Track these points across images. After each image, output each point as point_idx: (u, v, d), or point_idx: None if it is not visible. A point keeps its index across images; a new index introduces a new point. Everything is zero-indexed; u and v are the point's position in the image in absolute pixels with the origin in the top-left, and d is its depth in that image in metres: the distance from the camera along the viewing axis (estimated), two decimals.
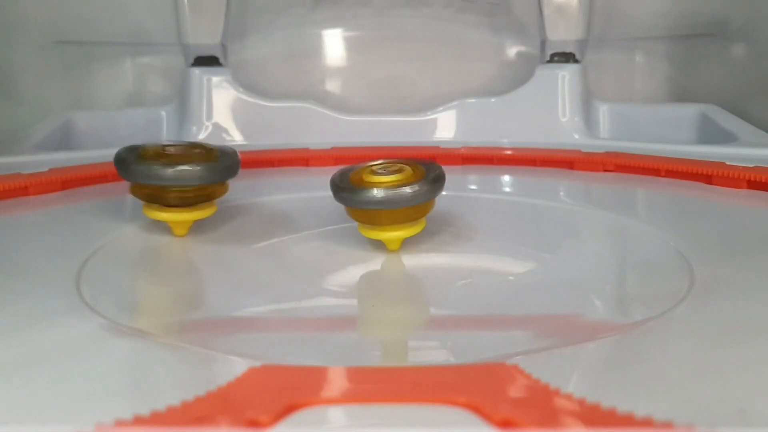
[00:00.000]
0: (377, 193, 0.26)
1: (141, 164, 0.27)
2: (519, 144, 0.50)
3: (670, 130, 0.53)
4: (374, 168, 0.28)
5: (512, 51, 0.62)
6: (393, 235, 0.28)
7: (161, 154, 0.28)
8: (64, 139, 0.53)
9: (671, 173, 0.40)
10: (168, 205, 0.29)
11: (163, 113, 0.57)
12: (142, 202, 0.30)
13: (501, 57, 0.62)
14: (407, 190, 0.26)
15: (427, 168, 0.28)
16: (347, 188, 0.27)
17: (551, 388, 0.13)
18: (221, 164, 0.29)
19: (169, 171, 0.27)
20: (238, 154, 0.30)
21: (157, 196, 0.29)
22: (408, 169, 0.28)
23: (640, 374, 0.15)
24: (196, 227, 0.31)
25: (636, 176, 0.41)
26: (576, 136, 0.52)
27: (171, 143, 0.30)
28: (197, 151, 0.29)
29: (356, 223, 0.28)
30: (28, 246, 0.29)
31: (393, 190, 0.26)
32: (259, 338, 0.21)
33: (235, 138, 0.54)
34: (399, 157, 0.48)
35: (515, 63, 0.61)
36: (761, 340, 0.17)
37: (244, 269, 0.29)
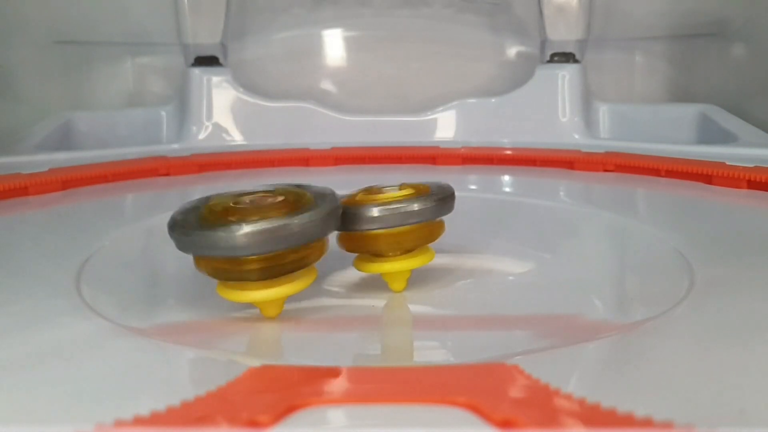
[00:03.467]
0: (375, 209, 0.22)
1: (204, 229, 0.19)
2: (519, 144, 0.50)
3: (670, 130, 0.53)
4: (371, 189, 0.24)
5: (512, 51, 0.62)
6: (395, 266, 0.23)
7: (230, 210, 0.20)
8: (64, 139, 0.53)
9: (671, 173, 0.40)
10: (249, 279, 0.20)
11: (163, 113, 0.57)
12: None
13: (501, 57, 0.62)
14: (412, 204, 0.22)
15: (432, 185, 0.24)
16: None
17: (551, 388, 0.13)
18: (319, 213, 0.20)
19: (243, 234, 0.18)
20: (336, 194, 0.22)
21: (232, 270, 0.20)
22: (409, 187, 0.24)
23: (640, 374, 0.15)
24: None
25: (636, 176, 0.41)
26: (576, 136, 0.53)
27: (245, 192, 0.21)
28: (280, 198, 0.21)
29: None
30: (28, 246, 0.29)
31: (395, 206, 0.22)
32: (259, 338, 0.21)
33: (235, 138, 0.54)
34: (399, 157, 0.48)
35: (515, 63, 0.61)
36: (761, 340, 0.17)
37: None
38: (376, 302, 0.25)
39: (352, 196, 0.24)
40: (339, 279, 0.27)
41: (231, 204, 0.20)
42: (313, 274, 0.22)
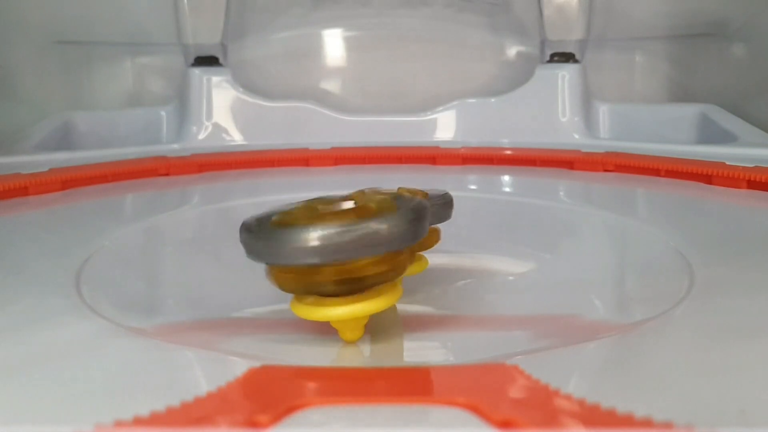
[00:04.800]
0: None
1: (275, 234, 0.17)
2: (519, 144, 0.50)
3: (670, 130, 0.53)
4: (365, 191, 0.21)
5: (512, 51, 0.62)
6: None
7: (307, 215, 0.18)
8: (64, 139, 0.53)
9: (671, 173, 0.40)
10: (325, 293, 0.18)
11: (163, 113, 0.57)
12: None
13: (501, 57, 0.62)
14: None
15: (430, 191, 0.22)
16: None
17: (551, 388, 0.13)
18: (408, 216, 0.17)
19: (317, 238, 0.16)
20: (424, 199, 0.19)
21: (306, 282, 0.18)
22: (407, 191, 0.21)
23: (640, 374, 0.15)
24: (196, 226, 0.31)
25: (636, 176, 0.41)
26: (576, 136, 0.52)
27: (324, 198, 0.19)
28: (363, 202, 0.18)
29: None
30: (28, 246, 0.29)
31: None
32: (259, 338, 0.21)
33: (235, 138, 0.54)
34: (399, 157, 0.48)
35: (515, 63, 0.61)
36: (761, 340, 0.17)
37: (244, 270, 0.29)
38: None
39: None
40: None
41: (308, 209, 0.18)
42: (398, 290, 0.19)
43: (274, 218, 0.18)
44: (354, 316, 0.18)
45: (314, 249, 0.16)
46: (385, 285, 0.18)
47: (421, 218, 0.18)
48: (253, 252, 0.18)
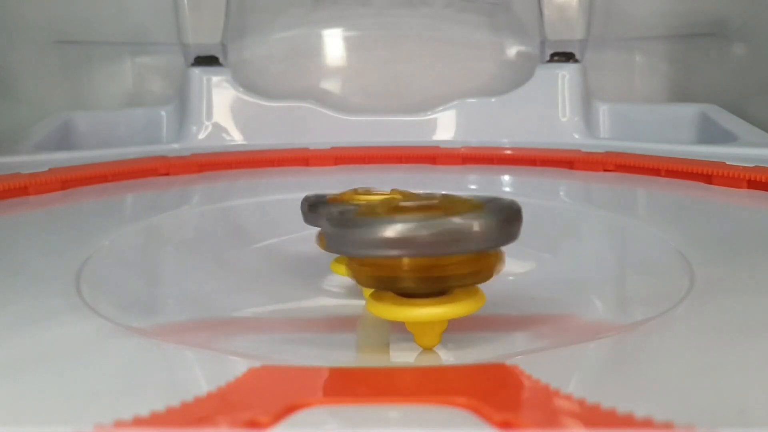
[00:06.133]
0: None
1: (362, 224, 0.16)
2: (519, 144, 0.50)
3: (670, 130, 0.53)
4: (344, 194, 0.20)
5: (512, 51, 0.62)
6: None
7: (395, 209, 0.17)
8: (64, 139, 0.53)
9: (671, 173, 0.40)
10: (405, 288, 0.17)
11: (163, 113, 0.57)
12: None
13: (501, 57, 0.62)
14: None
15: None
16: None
17: (551, 388, 0.13)
18: (503, 213, 0.17)
19: (402, 230, 0.16)
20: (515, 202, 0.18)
21: (385, 277, 0.17)
22: (399, 193, 0.20)
23: (640, 374, 0.15)
24: (196, 226, 0.31)
25: (636, 176, 0.41)
26: (576, 136, 0.52)
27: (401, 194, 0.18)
28: (448, 201, 0.17)
29: None
30: (28, 246, 0.29)
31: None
32: (259, 338, 0.21)
33: (235, 138, 0.54)
34: (399, 157, 0.48)
35: (515, 63, 0.61)
36: (761, 340, 0.17)
37: (244, 269, 0.29)
38: None
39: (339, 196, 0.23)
40: (339, 279, 0.27)
41: (393, 204, 0.17)
42: (481, 296, 0.18)
43: (357, 211, 0.17)
44: (436, 318, 0.17)
45: (400, 241, 0.16)
46: (467, 289, 0.18)
47: (515, 218, 0.17)
48: (335, 244, 0.17)
